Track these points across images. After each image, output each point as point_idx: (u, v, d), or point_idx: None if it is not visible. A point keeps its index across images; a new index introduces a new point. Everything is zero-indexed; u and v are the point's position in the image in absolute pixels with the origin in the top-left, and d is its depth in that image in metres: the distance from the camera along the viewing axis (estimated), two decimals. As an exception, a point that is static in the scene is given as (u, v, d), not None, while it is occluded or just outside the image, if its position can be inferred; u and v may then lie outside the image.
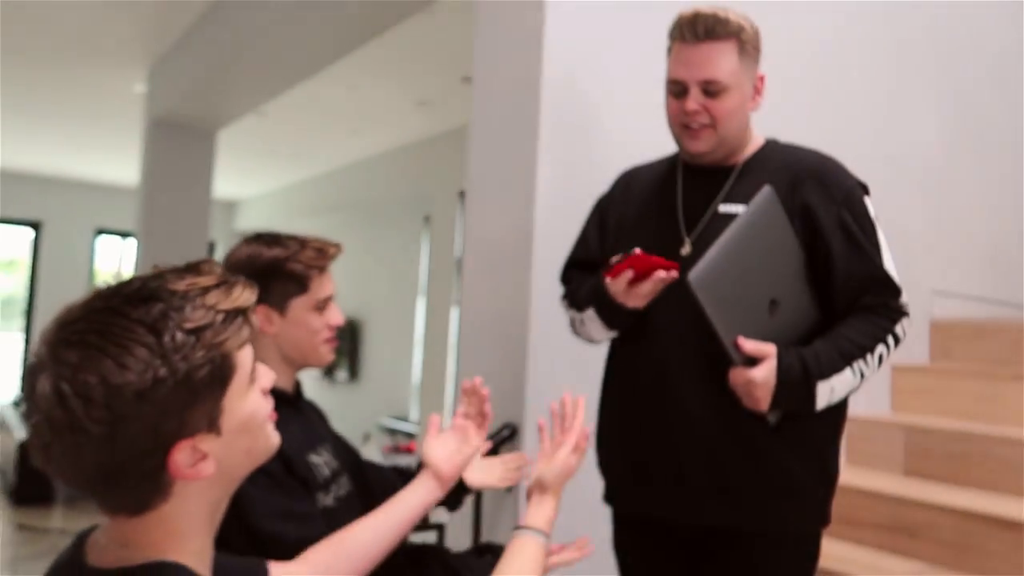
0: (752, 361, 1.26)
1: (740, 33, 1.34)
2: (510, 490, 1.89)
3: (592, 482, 1.54)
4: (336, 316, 1.30)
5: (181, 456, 0.72)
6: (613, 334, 1.47)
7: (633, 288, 1.33)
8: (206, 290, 0.74)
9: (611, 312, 1.40)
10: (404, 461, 4.63)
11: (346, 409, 8.47)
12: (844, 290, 1.34)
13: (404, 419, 7.35)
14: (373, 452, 4.29)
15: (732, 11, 1.36)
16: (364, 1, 3.74)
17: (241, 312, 0.75)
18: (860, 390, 1.35)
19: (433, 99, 5.84)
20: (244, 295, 0.76)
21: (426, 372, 6.44)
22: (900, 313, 1.34)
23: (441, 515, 1.89)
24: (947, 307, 2.87)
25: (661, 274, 1.30)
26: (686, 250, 1.38)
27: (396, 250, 7.95)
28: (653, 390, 1.39)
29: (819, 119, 2.44)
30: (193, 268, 0.76)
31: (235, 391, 0.75)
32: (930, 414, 2.58)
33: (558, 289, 1.61)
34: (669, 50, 1.40)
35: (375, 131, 6.89)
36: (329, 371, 8.90)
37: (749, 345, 1.25)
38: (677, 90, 1.37)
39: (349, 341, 8.60)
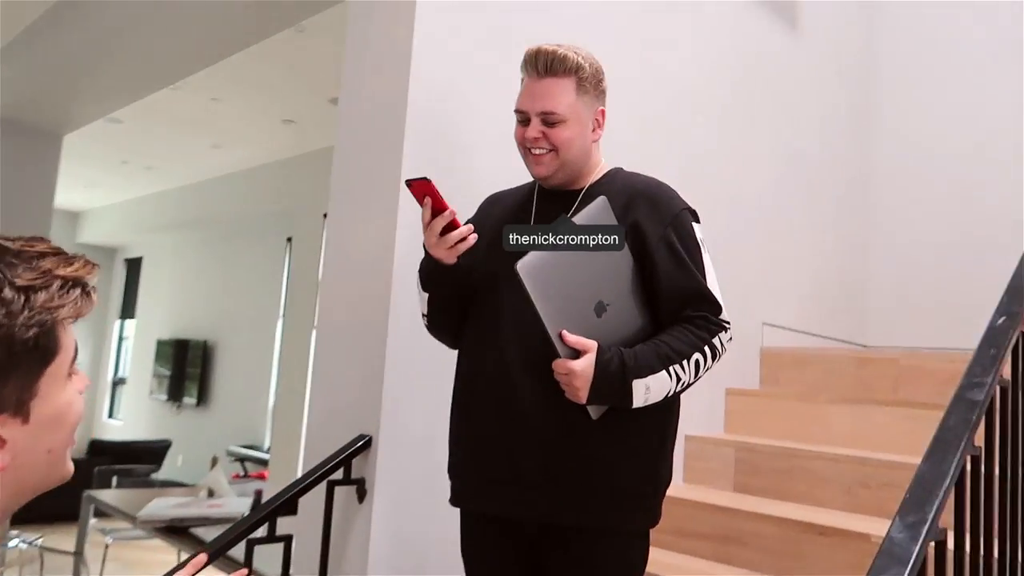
0: (576, 354, 1.36)
1: (578, 71, 1.49)
2: (362, 500, 1.89)
3: (444, 486, 1.58)
4: None
5: None
6: (426, 297, 1.56)
7: (435, 233, 1.43)
8: (43, 255, 0.68)
9: (426, 267, 1.53)
10: (253, 487, 4.45)
11: (193, 436, 8.03)
12: (667, 302, 1.46)
13: (256, 447, 7.07)
14: (220, 478, 4.09)
15: (574, 49, 1.50)
16: (231, 13, 3.67)
17: (79, 284, 0.69)
18: (697, 412, 1.45)
19: (300, 118, 5.76)
20: (85, 268, 0.71)
21: (282, 398, 6.22)
22: (719, 327, 1.47)
23: (288, 527, 1.85)
24: (776, 337, 3.15)
25: (447, 209, 1.42)
26: None
27: (256, 271, 7.69)
28: (493, 391, 1.47)
29: (672, 159, 2.64)
30: (29, 238, 0.70)
31: (54, 375, 0.67)
32: (759, 434, 2.81)
33: (416, 306, 1.65)
34: (522, 82, 1.54)
35: (239, 146, 6.69)
36: (176, 395, 8.41)
37: (572, 338, 1.35)
38: (522, 119, 1.53)
39: (200, 365, 8.18)
